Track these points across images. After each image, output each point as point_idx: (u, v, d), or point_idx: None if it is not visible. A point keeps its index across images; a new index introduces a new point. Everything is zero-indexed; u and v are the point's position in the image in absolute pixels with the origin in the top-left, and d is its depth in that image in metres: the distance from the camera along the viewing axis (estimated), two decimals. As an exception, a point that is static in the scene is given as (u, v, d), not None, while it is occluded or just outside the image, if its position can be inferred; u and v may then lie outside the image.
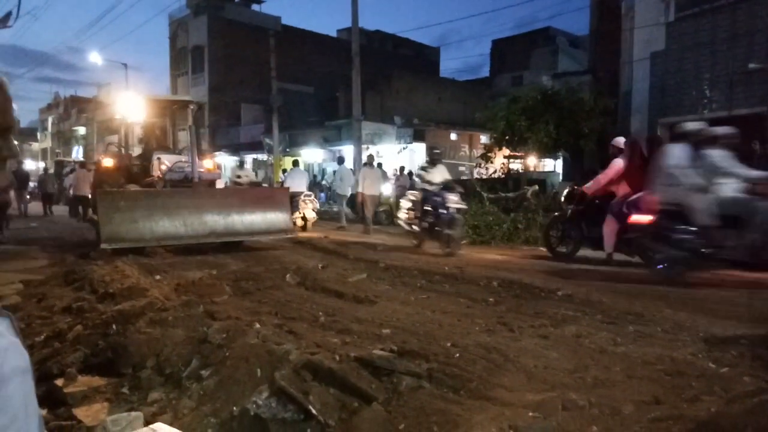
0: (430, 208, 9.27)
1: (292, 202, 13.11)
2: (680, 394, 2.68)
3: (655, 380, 2.90)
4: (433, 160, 10.29)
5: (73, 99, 49.55)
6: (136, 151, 10.62)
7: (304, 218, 13.18)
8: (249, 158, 32.30)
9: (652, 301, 5.02)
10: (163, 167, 9.62)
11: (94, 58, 33.08)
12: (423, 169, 10.30)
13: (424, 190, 9.58)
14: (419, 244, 9.74)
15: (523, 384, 2.88)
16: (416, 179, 10.41)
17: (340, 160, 15.82)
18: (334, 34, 39.94)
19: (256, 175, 16.50)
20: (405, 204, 10.30)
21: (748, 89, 11.32)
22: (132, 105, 10.01)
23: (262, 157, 30.67)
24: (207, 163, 10.46)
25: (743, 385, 2.77)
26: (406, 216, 10.09)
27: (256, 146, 30.48)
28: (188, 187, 9.09)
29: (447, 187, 9.45)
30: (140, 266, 6.65)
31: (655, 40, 12.99)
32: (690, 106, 12.42)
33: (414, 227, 9.78)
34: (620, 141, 8.11)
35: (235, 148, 33.04)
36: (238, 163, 16.80)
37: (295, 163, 16.05)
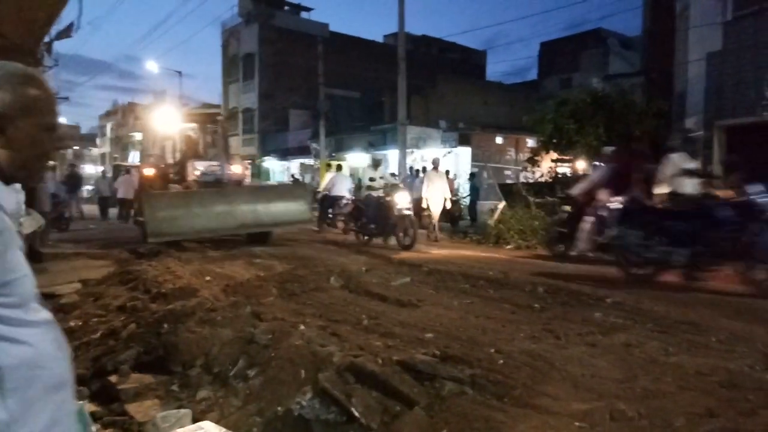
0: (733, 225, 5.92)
1: (335, 205, 13.28)
2: (736, 407, 2.57)
3: (709, 392, 2.79)
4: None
5: (130, 106, 51.44)
6: (175, 157, 11.86)
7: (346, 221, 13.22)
8: (296, 163, 32.85)
9: (706, 310, 4.83)
10: (197, 171, 10.93)
11: (151, 66, 34.28)
12: (682, 163, 6.83)
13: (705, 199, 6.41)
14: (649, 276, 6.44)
15: (569, 393, 2.82)
16: (672, 177, 6.81)
17: (338, 167, 16.00)
18: (380, 39, 40.19)
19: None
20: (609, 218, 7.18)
21: (812, 89, 10.77)
22: (168, 118, 11.54)
23: (309, 161, 31.14)
24: (235, 168, 12.11)
25: (804, 399, 2.63)
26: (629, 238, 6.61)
27: (303, 151, 30.96)
28: (219, 188, 10.40)
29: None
30: (191, 267, 6.85)
31: (712, 40, 12.51)
32: (749, 107, 11.89)
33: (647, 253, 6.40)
34: (608, 150, 8.78)
35: (284, 153, 33.66)
36: (371, 163, 12.23)
37: (339, 168, 16.09)
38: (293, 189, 11.81)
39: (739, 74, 12.03)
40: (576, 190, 8.78)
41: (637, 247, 6.42)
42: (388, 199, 10.16)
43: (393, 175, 19.97)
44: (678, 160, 6.79)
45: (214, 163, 11.45)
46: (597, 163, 9.87)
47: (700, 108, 12.85)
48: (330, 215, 13.65)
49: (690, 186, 6.65)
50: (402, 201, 9.92)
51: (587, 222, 8.11)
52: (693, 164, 6.75)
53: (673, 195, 6.63)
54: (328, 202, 13.83)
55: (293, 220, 10.27)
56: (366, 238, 10.62)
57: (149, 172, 11.94)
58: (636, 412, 2.50)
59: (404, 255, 8.92)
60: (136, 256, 8.47)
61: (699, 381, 2.95)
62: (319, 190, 14.73)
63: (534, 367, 3.14)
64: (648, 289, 5.96)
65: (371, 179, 11.03)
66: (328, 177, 14.85)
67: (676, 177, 6.61)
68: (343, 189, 13.95)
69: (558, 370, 3.12)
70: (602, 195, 8.02)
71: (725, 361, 3.28)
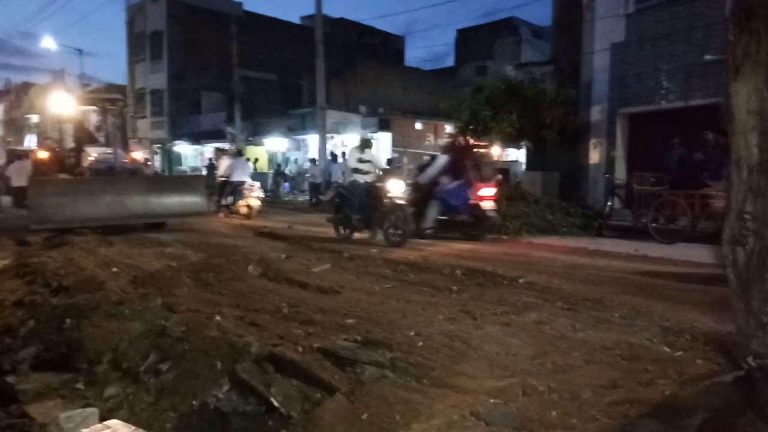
0: None
1: (236, 191, 13.49)
2: (636, 378, 2.74)
3: (612, 365, 2.96)
4: None
5: (25, 86, 47.64)
6: (70, 142, 11.64)
7: (248, 206, 13.44)
8: (210, 147, 31.73)
9: (611, 288, 5.14)
10: (90, 158, 10.82)
11: (47, 43, 31.91)
12: None
13: None
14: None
15: (484, 371, 2.91)
16: None
17: (239, 152, 16.42)
18: (297, 20, 39.42)
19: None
20: None
21: (704, 80, 11.63)
22: (62, 101, 11.22)
23: (224, 146, 30.21)
24: (136, 155, 12.38)
25: (696, 368, 2.85)
26: None
27: (217, 135, 29.96)
28: (110, 176, 10.36)
29: None
30: (96, 258, 6.46)
31: (615, 32, 13.23)
32: (648, 96, 12.71)
33: None
34: (446, 142, 10.48)
35: (196, 137, 32.43)
36: (359, 144, 9.84)
37: (239, 153, 16.38)
38: (189, 181, 12.08)
39: (640, 65, 12.81)
40: (423, 178, 9.92)
41: None
42: (378, 185, 8.84)
43: (389, 161, 18.01)
44: None
45: (107, 150, 11.18)
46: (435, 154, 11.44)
47: (605, 96, 13.59)
48: (230, 201, 13.71)
49: None
50: (395, 188, 8.67)
51: (433, 204, 9.30)
52: None
53: None
54: (229, 187, 13.79)
55: (187, 211, 10.25)
56: (347, 231, 9.24)
57: (43, 157, 11.79)
58: (546, 386, 2.62)
59: (396, 254, 7.30)
60: (22, 244, 8.01)
61: (603, 355, 3.13)
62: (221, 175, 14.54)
63: (452, 348, 3.21)
64: (557, 269, 6.27)
65: (360, 160, 9.33)
66: (226, 162, 14.90)
67: None
68: (244, 174, 14.00)
69: (474, 350, 3.21)
70: (443, 180, 9.40)
71: (627, 335, 3.50)
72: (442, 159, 9.84)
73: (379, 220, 8.71)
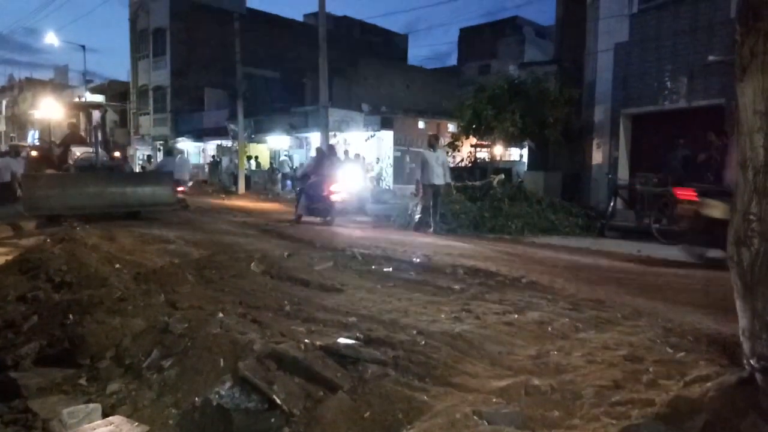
0: None
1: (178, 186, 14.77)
2: (639, 378, 2.73)
3: (614, 365, 2.95)
4: None
5: (28, 81, 47.72)
6: (61, 141, 13.18)
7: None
8: (212, 144, 31.72)
9: (613, 288, 5.13)
10: (75, 156, 12.27)
11: (51, 39, 31.96)
12: None
13: None
14: None
15: (487, 370, 2.90)
16: None
17: (169, 151, 18.43)
18: (300, 18, 39.37)
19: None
20: None
21: (707, 81, 11.60)
22: (54, 105, 13.39)
23: (227, 143, 30.17)
24: (117, 154, 13.91)
25: (699, 369, 2.84)
26: None
27: (220, 132, 29.96)
28: (92, 172, 11.72)
29: None
30: (99, 254, 6.47)
31: (619, 32, 13.20)
32: (651, 97, 12.68)
33: None
34: (321, 146, 13.24)
35: (199, 134, 32.41)
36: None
37: (169, 153, 18.30)
38: (159, 175, 13.60)
39: (643, 65, 12.77)
40: (300, 172, 12.96)
41: None
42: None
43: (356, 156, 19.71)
44: None
45: (89, 149, 12.52)
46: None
47: (608, 96, 13.55)
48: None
49: None
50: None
51: (302, 195, 12.04)
52: None
53: None
54: None
55: (158, 202, 11.66)
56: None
57: (35, 155, 13.41)
58: (549, 386, 2.61)
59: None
60: (15, 228, 9.34)
61: (606, 355, 3.12)
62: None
63: (454, 347, 3.21)
64: (559, 269, 6.27)
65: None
66: (159, 161, 16.16)
67: None
68: (183, 172, 15.70)
69: (477, 349, 3.20)
70: (312, 177, 11.91)
71: (629, 335, 3.49)
72: (312, 160, 12.86)
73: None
